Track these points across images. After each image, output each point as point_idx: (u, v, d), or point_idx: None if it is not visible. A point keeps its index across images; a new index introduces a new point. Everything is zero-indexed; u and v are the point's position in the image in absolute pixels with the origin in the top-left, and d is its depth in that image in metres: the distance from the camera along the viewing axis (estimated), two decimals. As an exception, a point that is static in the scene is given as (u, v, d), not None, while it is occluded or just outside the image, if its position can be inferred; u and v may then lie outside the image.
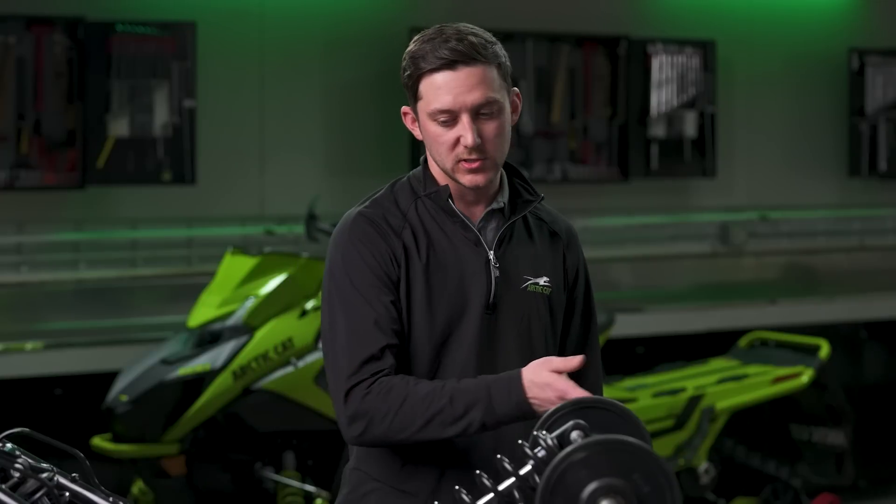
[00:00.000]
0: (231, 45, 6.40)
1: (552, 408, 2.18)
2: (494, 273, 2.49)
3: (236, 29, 6.41)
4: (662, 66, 7.13)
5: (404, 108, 2.54)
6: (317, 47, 6.58)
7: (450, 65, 2.42)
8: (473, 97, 2.42)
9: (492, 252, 2.51)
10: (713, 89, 7.23)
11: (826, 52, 7.69)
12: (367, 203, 2.54)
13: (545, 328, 2.55)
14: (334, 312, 2.46)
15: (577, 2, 7.13)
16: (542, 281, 2.55)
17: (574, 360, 2.34)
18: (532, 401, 2.35)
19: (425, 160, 2.57)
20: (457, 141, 2.43)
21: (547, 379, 2.33)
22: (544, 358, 2.38)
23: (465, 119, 2.42)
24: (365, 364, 2.41)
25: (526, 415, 2.36)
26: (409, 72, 2.46)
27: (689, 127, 7.15)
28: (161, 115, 6.07)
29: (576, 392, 2.28)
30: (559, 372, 2.34)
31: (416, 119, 2.51)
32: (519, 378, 2.37)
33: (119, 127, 6.01)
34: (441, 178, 2.53)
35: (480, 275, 2.49)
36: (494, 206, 2.53)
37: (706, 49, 7.22)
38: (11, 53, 5.83)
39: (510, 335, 2.51)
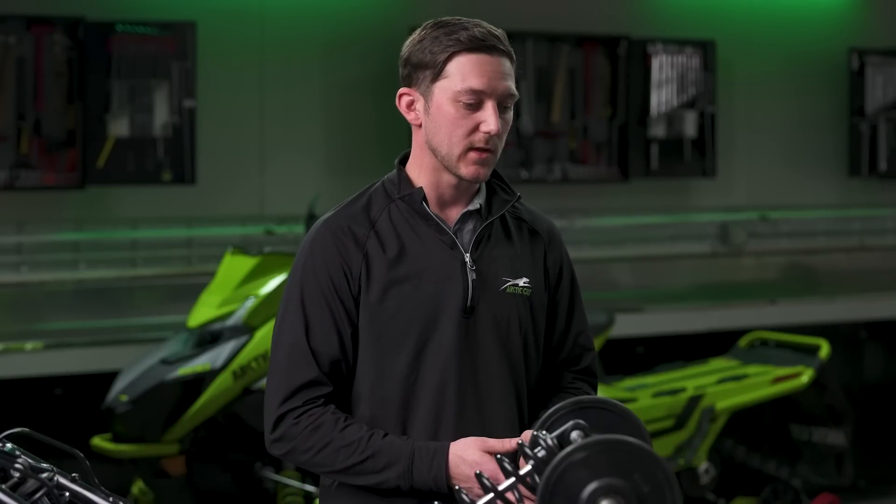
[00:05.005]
0: (231, 45, 6.40)
1: (464, 487, 2.19)
2: (471, 276, 2.45)
3: (236, 29, 6.41)
4: (662, 66, 7.13)
5: (403, 90, 2.48)
6: (317, 47, 6.58)
7: (488, 49, 2.40)
8: (503, 86, 2.42)
9: (468, 254, 2.47)
10: (713, 89, 7.23)
11: (826, 52, 7.69)
12: (336, 210, 2.51)
13: (526, 329, 2.51)
14: (282, 324, 2.47)
15: (577, 2, 7.13)
16: (522, 282, 2.51)
17: (511, 442, 2.31)
18: (455, 478, 2.32)
19: (400, 162, 2.53)
20: (476, 127, 2.41)
21: (477, 459, 2.31)
22: (478, 438, 2.36)
23: (490, 105, 2.40)
24: (300, 390, 2.42)
25: (441, 489, 2.34)
26: (436, 49, 2.41)
27: (689, 127, 7.15)
28: (161, 115, 6.07)
29: (500, 478, 2.23)
30: (492, 452, 2.31)
31: (414, 102, 2.47)
32: (445, 453, 2.35)
33: (119, 127, 6.01)
34: (417, 180, 2.49)
35: (457, 278, 2.45)
36: (471, 207, 2.49)
37: (706, 49, 7.22)
38: (11, 53, 5.83)
39: (490, 338, 2.47)
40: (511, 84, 2.43)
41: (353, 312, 2.44)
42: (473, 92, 2.39)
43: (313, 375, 2.42)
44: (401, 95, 2.48)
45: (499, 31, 2.44)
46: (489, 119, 2.40)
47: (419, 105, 2.46)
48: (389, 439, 2.39)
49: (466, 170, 2.43)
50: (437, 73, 2.42)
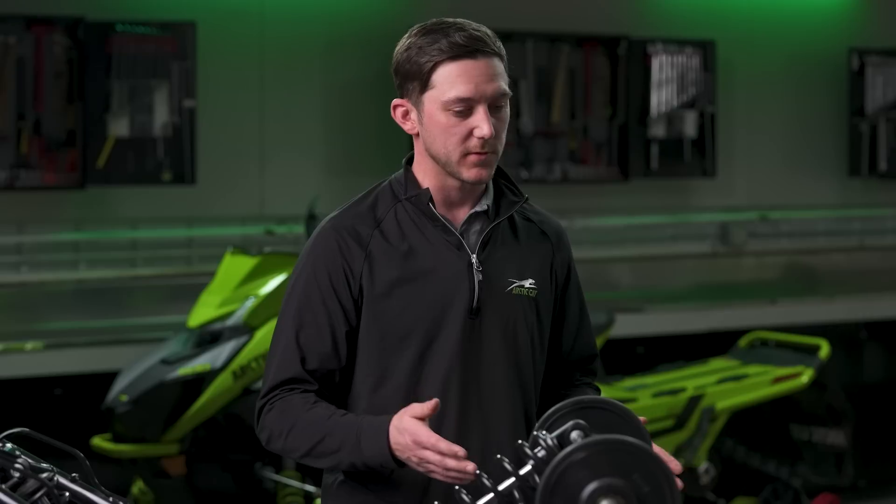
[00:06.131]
0: (231, 45, 6.40)
1: (403, 457, 2.24)
2: (477, 277, 2.45)
3: (236, 29, 6.41)
4: (662, 66, 7.13)
5: (396, 101, 2.48)
6: (317, 47, 6.58)
7: (471, 53, 2.38)
8: (493, 88, 2.39)
9: (474, 255, 2.46)
10: (713, 89, 7.23)
11: (826, 52, 7.69)
12: (342, 209, 2.51)
13: (532, 331, 2.51)
14: (279, 322, 2.49)
15: (577, 2, 7.14)
16: (528, 283, 2.50)
17: (430, 404, 2.30)
18: (394, 447, 2.32)
19: (407, 162, 2.53)
20: (469, 132, 2.40)
21: (406, 425, 2.30)
22: (410, 405, 2.34)
23: (482, 110, 2.39)
24: (281, 385, 2.44)
25: (387, 462, 2.33)
26: (421, 59, 2.40)
27: (689, 127, 7.15)
28: (161, 115, 6.07)
29: (429, 438, 2.25)
30: (419, 418, 2.30)
31: (409, 112, 2.46)
32: (387, 423, 2.34)
33: (119, 127, 6.01)
34: (423, 181, 2.49)
35: (463, 279, 2.45)
36: (478, 208, 2.49)
37: (706, 49, 7.22)
38: (11, 53, 5.83)
39: (496, 339, 2.47)
40: (501, 83, 2.41)
41: (351, 312, 2.44)
42: (461, 100, 2.38)
43: (296, 373, 2.43)
44: (395, 107, 2.49)
45: (481, 32, 2.41)
46: (482, 124, 2.39)
47: (413, 115, 2.46)
48: (346, 418, 2.38)
49: (468, 173, 2.43)
50: (424, 85, 2.41)
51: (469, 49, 2.38)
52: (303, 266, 2.48)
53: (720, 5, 7.45)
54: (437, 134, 2.42)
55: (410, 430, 2.28)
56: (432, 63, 2.39)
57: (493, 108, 2.41)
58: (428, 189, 2.47)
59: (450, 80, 2.39)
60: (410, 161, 2.54)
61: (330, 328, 2.44)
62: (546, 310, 2.54)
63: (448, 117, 2.40)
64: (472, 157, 2.41)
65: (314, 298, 2.44)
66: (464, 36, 2.39)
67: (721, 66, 7.29)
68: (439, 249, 2.46)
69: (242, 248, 5.38)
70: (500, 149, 2.45)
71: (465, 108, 2.39)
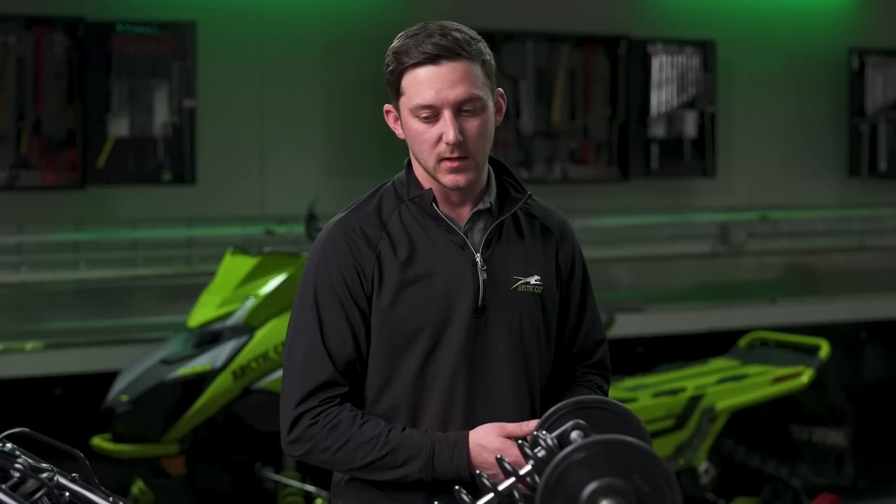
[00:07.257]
0: (231, 45, 6.40)
1: (487, 474, 2.20)
2: (482, 276, 2.46)
3: (236, 29, 6.41)
4: (662, 66, 7.13)
5: (387, 107, 2.52)
6: (317, 47, 6.58)
7: (433, 59, 2.39)
8: (456, 93, 2.40)
9: (478, 254, 2.47)
10: (713, 89, 7.23)
11: (826, 52, 7.69)
12: (348, 210, 2.52)
13: (538, 328, 2.52)
14: (296, 325, 2.48)
15: (577, 2, 7.14)
16: (533, 280, 2.51)
17: (529, 425, 2.33)
18: (478, 466, 2.34)
19: (409, 163, 2.54)
20: (439, 138, 2.41)
21: (499, 445, 2.33)
22: (496, 424, 2.37)
23: (447, 115, 2.40)
24: (316, 391, 2.43)
25: (464, 479, 2.34)
26: (391, 67, 2.44)
27: (689, 127, 7.15)
28: (161, 115, 6.07)
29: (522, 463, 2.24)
30: (512, 437, 2.33)
31: (398, 117, 2.49)
32: (464, 442, 2.36)
33: (119, 127, 6.01)
34: (425, 181, 2.50)
35: (467, 278, 2.46)
36: (481, 206, 2.50)
37: (706, 49, 7.22)
38: (11, 53, 5.83)
39: (501, 337, 2.47)
40: (467, 88, 2.40)
41: (367, 312, 2.45)
42: (424, 107, 2.40)
43: (329, 376, 2.43)
44: (387, 112, 2.53)
45: (449, 39, 2.40)
46: (447, 130, 2.40)
47: (399, 121, 2.49)
48: (408, 433, 2.40)
49: (444, 179, 2.44)
50: (397, 92, 2.45)
51: (431, 55, 2.39)
52: (315, 268, 2.48)
53: (720, 5, 7.45)
54: (413, 140, 2.45)
55: (508, 453, 2.29)
56: (399, 70, 2.43)
57: (463, 113, 2.41)
58: (430, 189, 2.48)
59: (414, 86, 2.41)
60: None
61: (351, 330, 2.44)
62: (552, 305, 2.55)
63: (417, 124, 2.43)
64: (445, 164, 2.43)
65: (332, 301, 2.45)
66: (431, 42, 2.40)
67: (721, 66, 7.29)
68: (443, 249, 2.47)
69: (242, 248, 5.38)
70: (479, 152, 2.44)
71: (430, 114, 2.41)
